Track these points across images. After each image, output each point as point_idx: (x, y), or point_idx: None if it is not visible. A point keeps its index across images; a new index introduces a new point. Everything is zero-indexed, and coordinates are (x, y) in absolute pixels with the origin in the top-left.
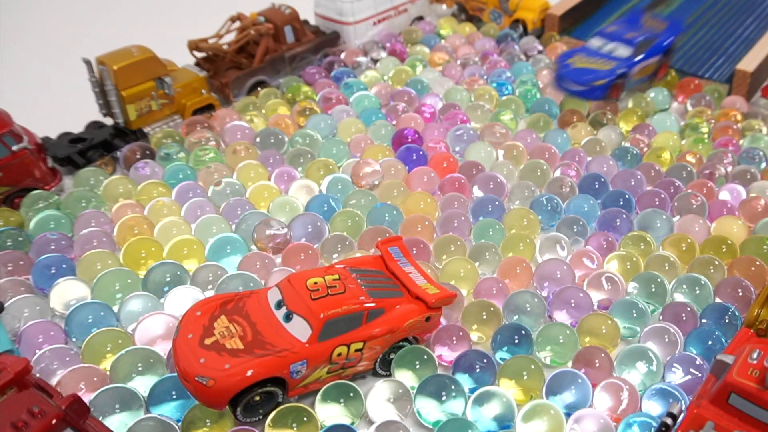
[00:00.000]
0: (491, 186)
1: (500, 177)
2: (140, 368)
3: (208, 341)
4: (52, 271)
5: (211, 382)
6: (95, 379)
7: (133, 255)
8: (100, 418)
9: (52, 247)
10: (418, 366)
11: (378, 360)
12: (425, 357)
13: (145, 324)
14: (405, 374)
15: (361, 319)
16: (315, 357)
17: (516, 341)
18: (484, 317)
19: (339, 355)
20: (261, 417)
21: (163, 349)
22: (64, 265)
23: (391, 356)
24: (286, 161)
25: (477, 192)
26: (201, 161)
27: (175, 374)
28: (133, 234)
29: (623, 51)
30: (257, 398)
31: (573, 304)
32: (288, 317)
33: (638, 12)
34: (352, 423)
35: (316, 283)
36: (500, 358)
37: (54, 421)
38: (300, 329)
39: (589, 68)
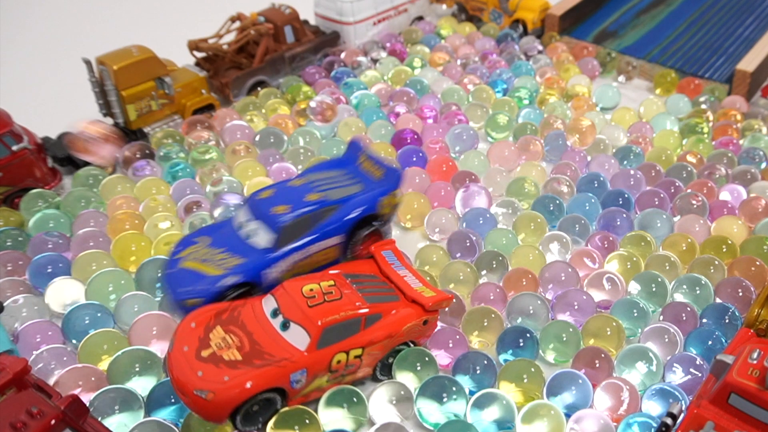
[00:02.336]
0: (476, 197)
1: (485, 189)
2: (137, 369)
3: (204, 353)
4: (49, 270)
5: (211, 395)
6: (93, 378)
7: (124, 249)
8: (99, 419)
9: (50, 247)
10: (419, 368)
11: (378, 365)
12: (426, 359)
13: (141, 324)
14: (406, 376)
15: (359, 325)
16: (315, 365)
17: (521, 344)
18: (486, 324)
19: (338, 362)
20: (261, 425)
21: (158, 348)
22: (60, 265)
23: (390, 361)
24: (287, 159)
25: (458, 203)
26: (200, 161)
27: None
28: (124, 228)
29: (262, 237)
30: (255, 407)
31: (576, 306)
32: (285, 326)
33: (357, 147)
34: (355, 430)
35: (311, 289)
36: (503, 361)
37: (53, 422)
38: (298, 337)
39: (196, 271)
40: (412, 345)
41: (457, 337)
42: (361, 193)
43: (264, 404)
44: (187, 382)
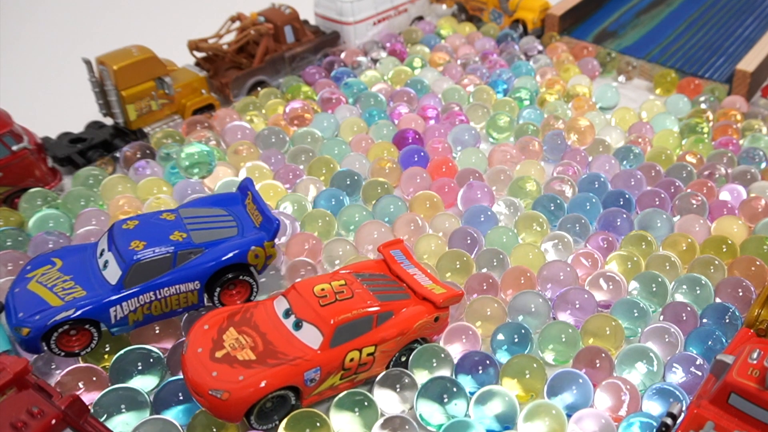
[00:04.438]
0: (478, 195)
1: (487, 187)
2: (140, 368)
3: (218, 354)
4: None
5: (226, 395)
6: (94, 378)
7: None
8: (104, 418)
9: (50, 246)
10: (435, 364)
11: (390, 363)
12: (442, 355)
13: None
14: (422, 373)
15: (371, 323)
16: (328, 363)
17: (516, 340)
18: (488, 313)
19: (351, 360)
20: (277, 422)
21: (160, 347)
22: None
23: (403, 359)
24: (287, 159)
25: (460, 201)
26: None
27: (178, 377)
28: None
29: (113, 272)
30: (269, 405)
31: (577, 305)
32: (297, 325)
33: (246, 187)
34: None
35: (323, 289)
36: (498, 357)
37: (53, 422)
38: (311, 336)
39: (38, 297)
40: (423, 342)
41: (470, 332)
42: (234, 239)
43: (278, 401)
44: (202, 382)
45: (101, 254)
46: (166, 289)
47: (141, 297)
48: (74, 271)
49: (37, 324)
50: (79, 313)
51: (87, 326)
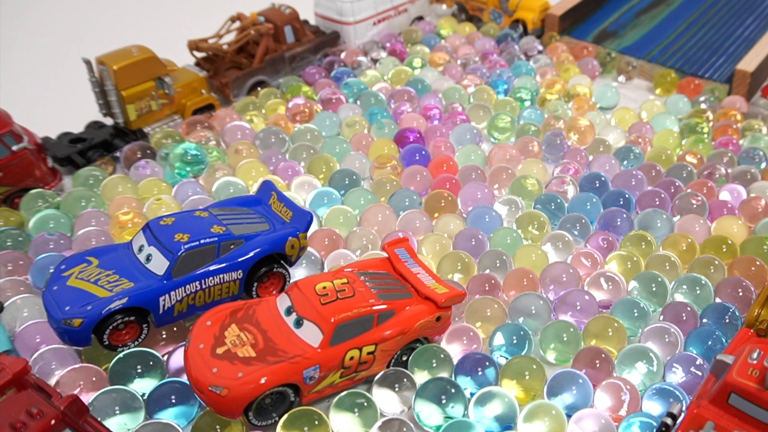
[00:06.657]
0: (478, 196)
1: (487, 188)
2: (140, 370)
3: (219, 350)
4: (51, 270)
5: (225, 391)
6: (94, 379)
7: None
8: (99, 419)
9: (51, 247)
10: (434, 365)
11: (391, 362)
12: (442, 356)
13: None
14: (421, 374)
15: (371, 322)
16: (328, 361)
17: (514, 341)
18: (488, 314)
19: (351, 358)
20: (276, 419)
21: (161, 351)
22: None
23: (404, 358)
24: (288, 156)
25: (461, 199)
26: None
27: (173, 379)
28: (127, 228)
29: (158, 264)
30: (267, 401)
31: (578, 307)
32: (298, 323)
33: (269, 187)
34: None
35: (324, 287)
36: (497, 357)
37: (53, 422)
38: (311, 334)
39: (83, 291)
40: (425, 341)
41: (471, 333)
42: (268, 232)
43: (277, 398)
44: (203, 378)
45: (140, 250)
46: (210, 278)
47: (188, 287)
48: (115, 266)
49: (90, 314)
50: (131, 301)
51: (135, 318)
